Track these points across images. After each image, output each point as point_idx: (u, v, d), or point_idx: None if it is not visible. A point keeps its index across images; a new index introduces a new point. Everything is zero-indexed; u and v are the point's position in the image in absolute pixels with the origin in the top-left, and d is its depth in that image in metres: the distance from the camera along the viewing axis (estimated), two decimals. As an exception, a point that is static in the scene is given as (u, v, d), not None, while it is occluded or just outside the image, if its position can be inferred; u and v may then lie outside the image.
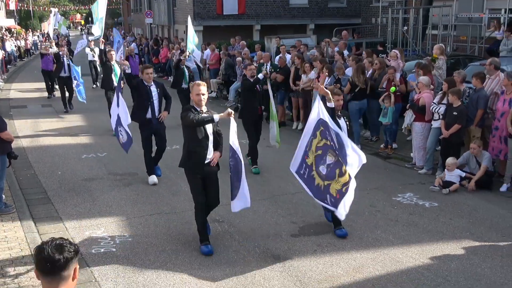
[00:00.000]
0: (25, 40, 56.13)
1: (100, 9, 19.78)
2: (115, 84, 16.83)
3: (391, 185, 12.78)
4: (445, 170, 12.62)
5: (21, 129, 18.86)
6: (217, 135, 9.48)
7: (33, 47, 57.90)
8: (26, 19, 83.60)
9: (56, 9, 32.96)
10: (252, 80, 13.60)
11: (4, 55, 37.83)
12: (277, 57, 22.12)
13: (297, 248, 9.34)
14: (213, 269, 8.56)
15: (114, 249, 9.24)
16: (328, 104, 9.62)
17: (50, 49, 26.11)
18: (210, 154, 9.17)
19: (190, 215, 10.61)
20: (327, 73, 16.76)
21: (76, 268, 3.83)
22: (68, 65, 22.87)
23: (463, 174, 12.51)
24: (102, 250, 9.22)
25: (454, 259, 8.84)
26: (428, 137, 13.75)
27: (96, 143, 17.00)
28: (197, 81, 10.00)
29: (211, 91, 26.48)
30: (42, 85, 25.15)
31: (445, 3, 27.30)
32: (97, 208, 11.18)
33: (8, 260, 8.67)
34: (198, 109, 9.09)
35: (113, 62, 18.06)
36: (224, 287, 8.01)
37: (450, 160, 12.53)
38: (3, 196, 10.94)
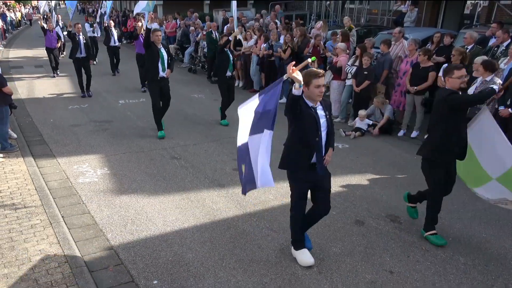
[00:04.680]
0: (21, 12, 54.70)
1: None
2: (161, 74, 11.84)
3: (312, 130, 12.94)
4: (357, 119, 12.94)
5: (19, 85, 18.56)
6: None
7: (25, 17, 56.42)
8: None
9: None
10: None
11: (3, 25, 37.01)
12: (225, 27, 22.23)
13: (237, 179, 9.15)
14: (173, 194, 8.69)
15: (96, 179, 9.36)
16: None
17: (52, 25, 21.06)
18: None
19: (155, 154, 10.88)
20: (268, 39, 16.85)
21: None
22: (85, 44, 17.04)
23: (370, 122, 12.85)
24: (87, 180, 9.32)
25: (359, 188, 9.09)
26: (342, 93, 14.07)
27: (79, 97, 16.82)
28: None
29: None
30: (36, 51, 24.26)
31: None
32: (82, 148, 11.23)
33: (15, 187, 8.77)
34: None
35: (160, 46, 11.79)
36: (181, 208, 8.16)
37: (362, 112, 12.85)
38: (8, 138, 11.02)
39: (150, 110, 12.10)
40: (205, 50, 21.68)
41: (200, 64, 23.11)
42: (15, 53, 28.59)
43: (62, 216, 7.68)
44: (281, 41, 16.86)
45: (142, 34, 17.21)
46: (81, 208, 8.09)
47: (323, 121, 6.00)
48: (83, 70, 17.01)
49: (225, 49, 12.92)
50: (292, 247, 6.74)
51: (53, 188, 8.81)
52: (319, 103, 6.00)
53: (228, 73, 13.04)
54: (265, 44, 16.97)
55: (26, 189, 8.67)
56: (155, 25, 11.04)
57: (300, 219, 6.49)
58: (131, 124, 13.40)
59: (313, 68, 5.95)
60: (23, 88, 18.25)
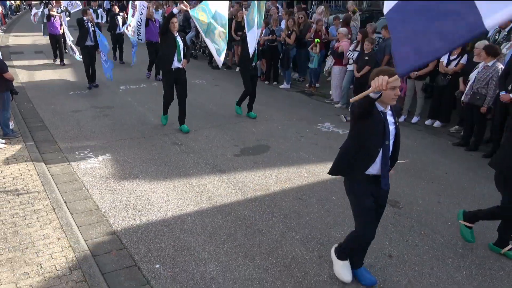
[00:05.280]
0: None
1: None
2: (177, 65, 11.01)
3: (313, 116, 13.04)
4: (357, 105, 12.99)
5: (20, 71, 18.53)
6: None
7: (24, 2, 56.24)
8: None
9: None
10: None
11: (2, 10, 36.99)
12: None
13: (238, 164, 9.59)
14: (175, 180, 8.77)
15: (98, 165, 9.42)
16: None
17: (55, 11, 19.58)
18: None
19: (156, 139, 10.92)
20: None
21: None
22: (94, 32, 15.50)
23: (369, 108, 12.93)
24: (89, 165, 9.39)
25: (358, 173, 9.25)
26: (344, 78, 14.14)
27: (79, 82, 16.80)
28: None
29: None
30: (36, 37, 24.02)
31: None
32: (83, 134, 11.28)
33: (17, 172, 8.83)
34: None
35: (177, 34, 10.97)
36: (182, 193, 8.24)
37: (362, 98, 12.94)
38: (11, 123, 11.10)
39: (151, 96, 12.14)
40: (207, 35, 21.61)
41: (201, 49, 23.12)
42: (14, 39, 28.53)
43: (65, 202, 7.78)
44: (282, 26, 16.84)
45: (152, 20, 17.20)
46: (83, 193, 8.18)
47: (392, 128, 5.16)
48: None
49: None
50: (335, 252, 5.98)
51: (55, 174, 8.90)
52: (389, 108, 5.15)
53: (252, 64, 12.56)
54: (264, 29, 16.87)
55: (28, 175, 8.74)
56: (175, 10, 10.40)
57: (365, 244, 5.68)
58: (132, 110, 13.44)
59: (388, 67, 4.98)
60: (23, 73, 18.25)
